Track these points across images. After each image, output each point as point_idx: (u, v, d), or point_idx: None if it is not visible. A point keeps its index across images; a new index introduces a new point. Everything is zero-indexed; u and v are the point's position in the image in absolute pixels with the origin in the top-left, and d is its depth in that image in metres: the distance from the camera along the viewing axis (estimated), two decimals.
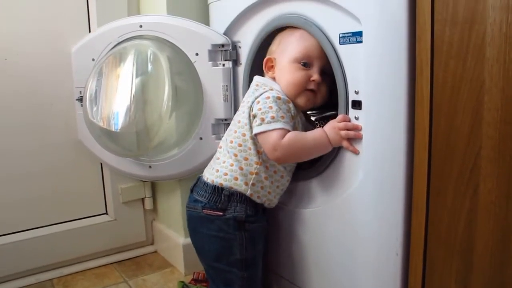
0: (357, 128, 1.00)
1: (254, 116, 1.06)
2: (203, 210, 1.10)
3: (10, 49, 1.51)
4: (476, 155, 0.80)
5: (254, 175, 1.09)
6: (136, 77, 1.32)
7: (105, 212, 1.76)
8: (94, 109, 1.38)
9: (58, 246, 1.63)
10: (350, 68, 1.01)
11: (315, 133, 1.05)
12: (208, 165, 1.18)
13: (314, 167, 1.14)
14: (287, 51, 1.12)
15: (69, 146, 1.64)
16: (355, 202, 1.02)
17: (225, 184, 1.08)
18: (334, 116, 1.08)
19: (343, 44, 1.01)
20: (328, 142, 1.04)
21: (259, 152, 1.08)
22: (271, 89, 1.10)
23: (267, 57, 1.18)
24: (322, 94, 1.13)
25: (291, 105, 1.08)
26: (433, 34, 0.83)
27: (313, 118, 1.54)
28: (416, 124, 0.89)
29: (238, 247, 1.09)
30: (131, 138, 1.40)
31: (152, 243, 1.85)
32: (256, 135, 1.06)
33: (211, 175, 1.12)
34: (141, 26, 1.44)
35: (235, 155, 1.09)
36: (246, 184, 1.08)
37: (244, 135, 1.09)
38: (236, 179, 1.08)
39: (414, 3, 0.86)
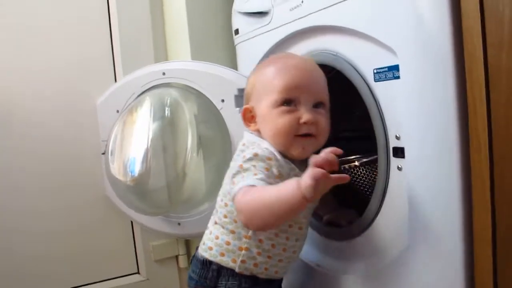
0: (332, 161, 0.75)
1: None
2: None
3: (36, 109, 1.48)
4: None
5: (243, 251, 0.87)
6: (154, 122, 1.23)
7: (137, 271, 1.65)
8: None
9: None
10: (389, 109, 0.85)
11: (282, 184, 0.76)
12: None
13: (353, 225, 0.97)
14: (263, 93, 0.89)
15: (98, 203, 1.55)
16: (400, 272, 0.84)
17: (211, 259, 0.90)
18: None
19: (378, 80, 0.86)
20: (303, 201, 0.71)
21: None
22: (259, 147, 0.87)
23: (244, 106, 0.94)
24: (323, 133, 0.88)
25: (272, 162, 0.83)
26: (487, 62, 0.66)
27: (357, 163, 1.37)
28: (473, 176, 0.70)
29: None
30: (156, 194, 1.29)
31: None
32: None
33: (200, 248, 0.95)
34: (164, 74, 1.36)
35: (222, 227, 0.90)
36: (234, 261, 0.88)
37: (226, 205, 0.90)
38: (223, 255, 0.89)
39: (459, 25, 0.69)
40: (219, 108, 1.29)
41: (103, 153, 1.48)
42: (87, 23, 1.55)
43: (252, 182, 0.78)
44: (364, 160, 1.35)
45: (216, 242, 0.91)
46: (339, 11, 0.91)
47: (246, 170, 0.81)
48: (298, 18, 1.04)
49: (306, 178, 0.69)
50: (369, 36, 0.85)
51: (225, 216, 0.90)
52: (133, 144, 1.24)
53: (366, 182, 1.32)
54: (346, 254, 0.99)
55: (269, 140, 0.87)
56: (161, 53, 1.60)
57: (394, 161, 0.85)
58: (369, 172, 1.34)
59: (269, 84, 0.88)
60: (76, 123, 1.52)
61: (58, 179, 1.51)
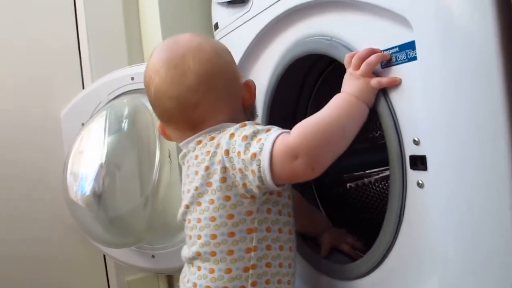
0: (380, 58, 0.63)
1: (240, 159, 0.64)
2: None
3: None
4: None
5: (250, 271, 0.67)
6: (109, 136, 1.02)
7: None
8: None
9: None
10: (403, 103, 0.62)
11: (335, 102, 0.65)
12: (182, 272, 0.76)
13: (358, 261, 0.74)
14: None
15: (64, 233, 1.34)
16: None
17: None
18: None
19: (387, 66, 0.64)
20: (355, 100, 0.64)
21: (250, 231, 0.67)
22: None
23: None
24: None
25: None
26: None
27: (366, 180, 1.14)
28: None
29: None
30: (119, 221, 1.08)
31: None
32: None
33: None
34: (132, 79, 1.16)
35: (212, 255, 0.68)
36: None
37: (214, 219, 0.68)
38: None
39: None
40: None
41: None
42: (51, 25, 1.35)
43: (279, 131, 0.63)
44: (375, 176, 1.12)
45: (212, 277, 0.67)
46: None
47: (256, 133, 0.64)
48: None
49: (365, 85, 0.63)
50: (372, 4, 0.63)
51: (214, 237, 0.67)
52: (84, 160, 1.03)
53: (376, 204, 1.09)
54: None
55: None
56: (136, 56, 1.39)
57: (413, 175, 0.62)
58: (381, 190, 1.11)
59: None
60: (37, 140, 1.32)
61: (19, 206, 1.31)
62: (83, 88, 1.35)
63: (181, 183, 0.76)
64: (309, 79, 0.99)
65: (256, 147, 0.61)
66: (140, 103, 1.09)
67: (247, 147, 0.62)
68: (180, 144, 0.75)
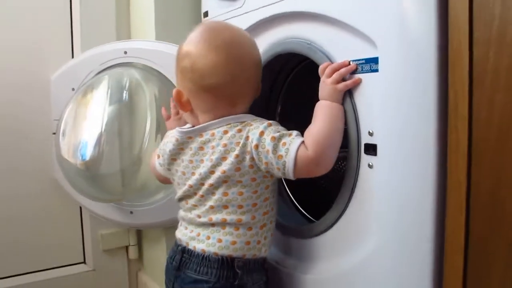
0: (348, 70, 0.81)
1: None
2: None
3: None
4: None
5: (264, 228, 0.88)
6: (110, 105, 1.14)
7: (83, 261, 1.55)
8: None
9: None
10: (364, 103, 0.81)
11: (322, 111, 0.83)
12: (189, 230, 0.90)
13: (317, 223, 0.93)
14: None
15: (45, 187, 1.46)
16: (365, 275, 0.80)
17: (236, 254, 0.85)
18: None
19: (353, 73, 0.82)
20: (335, 105, 0.83)
21: (266, 199, 0.87)
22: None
23: None
24: None
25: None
26: (472, 59, 0.63)
27: None
28: (449, 179, 0.67)
29: None
30: (108, 180, 1.21)
31: None
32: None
33: (209, 247, 0.85)
34: (125, 52, 1.28)
35: (239, 221, 0.85)
36: (259, 242, 0.87)
37: (241, 193, 0.85)
38: (248, 243, 0.86)
39: (446, 20, 0.66)
40: None
41: (54, 133, 1.38)
42: None
43: (299, 140, 0.80)
44: None
45: (237, 233, 0.85)
46: None
47: (281, 136, 0.81)
48: (273, 3, 0.98)
49: (337, 92, 0.82)
50: (347, 25, 0.81)
51: (241, 207, 0.85)
52: (87, 127, 1.16)
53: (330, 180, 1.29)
54: (308, 253, 0.95)
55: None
56: (123, 31, 1.51)
57: (365, 158, 0.81)
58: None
59: None
60: (26, 100, 1.42)
61: (2, 160, 1.41)
62: (73, 57, 1.46)
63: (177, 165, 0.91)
64: (281, 75, 1.16)
65: (282, 150, 0.80)
66: (134, 77, 1.21)
67: (275, 148, 0.80)
68: (192, 129, 0.88)
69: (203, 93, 0.86)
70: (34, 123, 1.43)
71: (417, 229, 0.72)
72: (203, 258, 0.86)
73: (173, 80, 1.22)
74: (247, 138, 0.83)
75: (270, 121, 0.85)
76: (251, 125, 0.84)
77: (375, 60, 0.76)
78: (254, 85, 0.90)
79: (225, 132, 0.84)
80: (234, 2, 1.13)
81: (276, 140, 0.80)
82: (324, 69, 0.84)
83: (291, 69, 1.15)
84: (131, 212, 1.34)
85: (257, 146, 0.81)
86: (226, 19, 1.16)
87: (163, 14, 1.35)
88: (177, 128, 0.90)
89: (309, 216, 1.10)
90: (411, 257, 0.73)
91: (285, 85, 1.18)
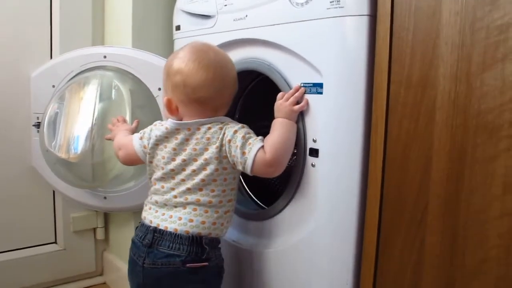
0: (301, 93, 1.03)
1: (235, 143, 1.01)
2: (186, 264, 0.99)
3: None
4: (423, 210, 0.84)
5: (228, 213, 1.07)
6: (99, 102, 1.32)
7: (54, 241, 1.71)
8: (51, 135, 1.36)
9: (3, 276, 1.57)
10: (310, 117, 1.04)
11: (281, 126, 1.03)
12: (160, 213, 1.05)
13: (269, 208, 1.16)
14: None
15: (22, 173, 1.60)
16: (309, 246, 1.05)
17: (204, 232, 1.02)
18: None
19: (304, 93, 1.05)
20: (290, 122, 1.04)
21: (233, 189, 1.07)
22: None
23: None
24: None
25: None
26: (389, 93, 0.88)
27: None
28: (370, 176, 0.93)
29: None
30: (87, 169, 1.38)
31: (101, 274, 1.81)
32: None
33: (181, 226, 1.01)
34: (105, 57, 1.45)
35: (210, 202, 1.02)
36: (222, 224, 1.05)
37: (215, 180, 1.03)
38: (214, 224, 1.03)
39: (373, 64, 0.91)
40: (155, 95, 1.41)
41: (34, 125, 1.53)
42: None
43: (261, 144, 1.00)
44: None
45: (206, 215, 1.02)
46: (278, 30, 1.09)
47: (249, 138, 1.01)
48: (240, 29, 1.19)
49: (294, 113, 1.04)
50: (300, 56, 1.04)
51: (213, 191, 1.02)
52: (78, 122, 1.32)
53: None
54: (263, 232, 1.19)
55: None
56: (98, 37, 1.67)
57: (309, 159, 1.05)
58: None
59: None
60: (8, 94, 1.55)
61: None
62: (51, 57, 1.60)
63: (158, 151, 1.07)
64: (239, 89, 1.35)
65: (247, 148, 0.99)
66: (114, 78, 1.39)
67: (242, 145, 0.99)
68: (182, 122, 1.04)
69: (193, 103, 1.02)
70: (15, 116, 1.56)
71: (345, 212, 0.98)
72: (175, 236, 1.00)
73: (148, 84, 1.41)
74: (224, 134, 1.01)
75: (244, 125, 1.06)
76: (229, 124, 1.04)
77: (320, 85, 1.00)
78: (232, 97, 1.09)
79: (209, 128, 1.02)
80: (205, 21, 1.32)
81: (245, 139, 1.01)
82: (282, 96, 1.06)
83: (244, 86, 1.37)
84: (105, 198, 1.51)
85: (230, 141, 1.00)
86: (196, 36, 1.36)
87: (139, 24, 1.52)
88: (169, 120, 1.06)
89: (260, 204, 1.34)
90: (340, 231, 0.99)
91: (242, 97, 1.40)
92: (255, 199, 1.36)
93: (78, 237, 1.71)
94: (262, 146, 1.01)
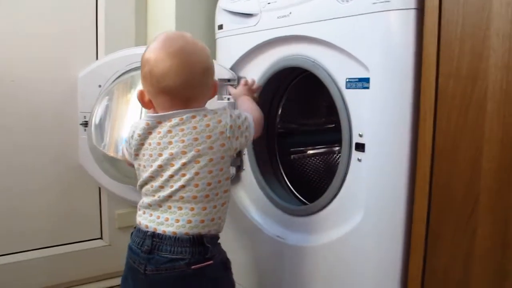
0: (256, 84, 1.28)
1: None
2: (191, 267, 0.93)
3: (18, 72, 1.54)
4: (475, 202, 0.84)
5: (224, 205, 1.01)
6: None
7: (100, 237, 1.76)
8: (99, 134, 1.41)
9: (51, 269, 1.62)
10: (355, 112, 1.05)
11: (250, 101, 1.21)
12: (155, 216, 0.97)
13: (314, 203, 1.17)
14: None
15: (69, 169, 1.65)
16: (354, 242, 1.05)
17: (203, 231, 0.96)
18: None
19: (349, 88, 1.06)
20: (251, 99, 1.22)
21: (228, 179, 1.01)
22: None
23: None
24: None
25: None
26: (437, 86, 0.88)
27: (307, 153, 1.59)
28: (418, 170, 0.93)
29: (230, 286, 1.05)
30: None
31: None
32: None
33: (180, 228, 0.94)
34: None
35: (207, 196, 0.96)
36: (220, 218, 1.00)
37: (211, 172, 0.96)
38: (213, 219, 0.97)
39: (421, 57, 0.91)
40: None
41: (81, 124, 1.58)
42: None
43: (251, 116, 1.06)
44: (312, 151, 1.57)
45: (205, 213, 0.95)
46: (323, 26, 1.10)
47: (240, 113, 1.03)
48: (284, 26, 1.21)
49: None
50: (346, 51, 1.04)
51: (209, 184, 0.95)
52: (126, 125, 1.36)
53: (315, 170, 1.54)
54: (310, 227, 1.20)
55: None
56: (141, 38, 1.72)
57: (355, 154, 1.06)
58: (319, 161, 1.56)
59: None
60: (56, 91, 1.61)
61: (32, 143, 1.59)
62: (97, 58, 1.66)
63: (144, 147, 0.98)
64: (282, 86, 1.40)
65: (245, 124, 1.02)
66: None
67: (242, 123, 1.01)
68: (162, 114, 0.96)
69: (160, 94, 0.95)
70: (63, 115, 1.62)
71: (392, 209, 0.98)
72: (175, 240, 0.93)
73: None
74: (219, 121, 0.97)
75: (225, 107, 1.02)
76: (216, 112, 0.98)
77: (367, 80, 1.01)
78: (205, 89, 1.00)
79: (193, 117, 0.95)
80: (248, 19, 1.35)
81: (242, 117, 1.02)
82: (244, 82, 1.27)
83: (288, 82, 1.39)
84: None
85: (232, 126, 0.98)
86: (239, 34, 1.38)
87: (182, 24, 1.56)
88: (147, 114, 0.99)
89: (303, 199, 1.35)
90: (388, 225, 0.99)
91: (286, 93, 1.42)
92: (298, 195, 1.37)
93: (123, 233, 1.76)
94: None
